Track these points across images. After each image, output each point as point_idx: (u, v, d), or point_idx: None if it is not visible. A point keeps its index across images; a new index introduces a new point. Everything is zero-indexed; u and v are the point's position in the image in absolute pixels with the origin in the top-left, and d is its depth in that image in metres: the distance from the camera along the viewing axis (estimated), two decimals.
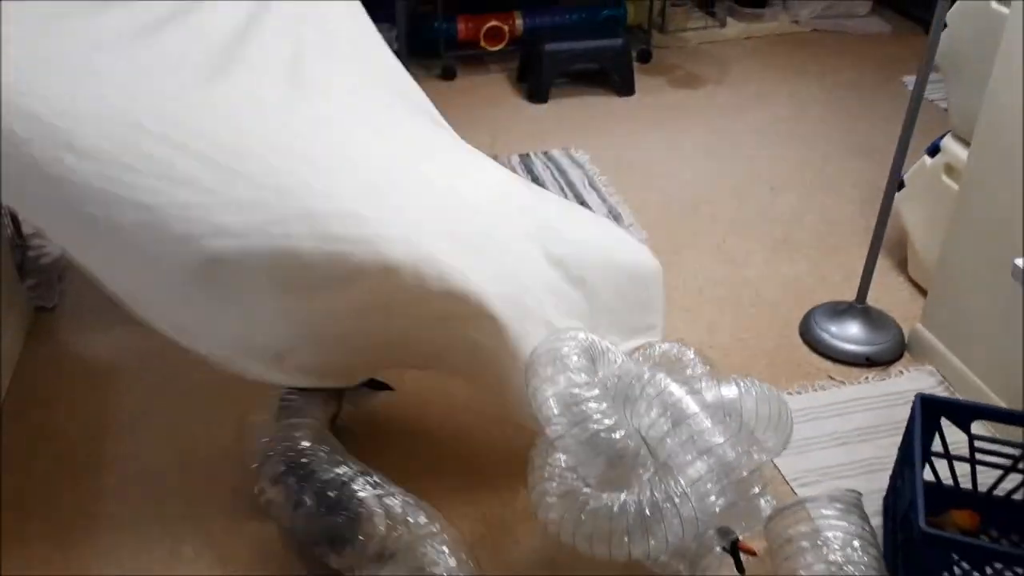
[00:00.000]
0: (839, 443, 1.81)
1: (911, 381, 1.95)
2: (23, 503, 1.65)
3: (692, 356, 1.68)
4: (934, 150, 2.12)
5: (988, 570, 1.36)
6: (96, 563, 1.54)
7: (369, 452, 1.68)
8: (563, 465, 1.49)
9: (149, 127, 1.42)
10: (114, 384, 1.95)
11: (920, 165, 2.18)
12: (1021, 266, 1.39)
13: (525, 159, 2.90)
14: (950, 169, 2.05)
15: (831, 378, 1.99)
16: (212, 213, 1.41)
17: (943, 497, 1.57)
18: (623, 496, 1.42)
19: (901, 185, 2.28)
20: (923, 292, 2.17)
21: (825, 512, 1.44)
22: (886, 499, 1.65)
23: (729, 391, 1.56)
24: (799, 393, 1.93)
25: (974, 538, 1.50)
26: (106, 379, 1.96)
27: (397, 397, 1.87)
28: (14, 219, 2.14)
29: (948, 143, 2.07)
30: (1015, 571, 1.35)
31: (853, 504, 1.45)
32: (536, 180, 2.76)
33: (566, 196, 2.67)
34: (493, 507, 1.67)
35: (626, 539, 1.42)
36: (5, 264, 2.04)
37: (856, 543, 1.39)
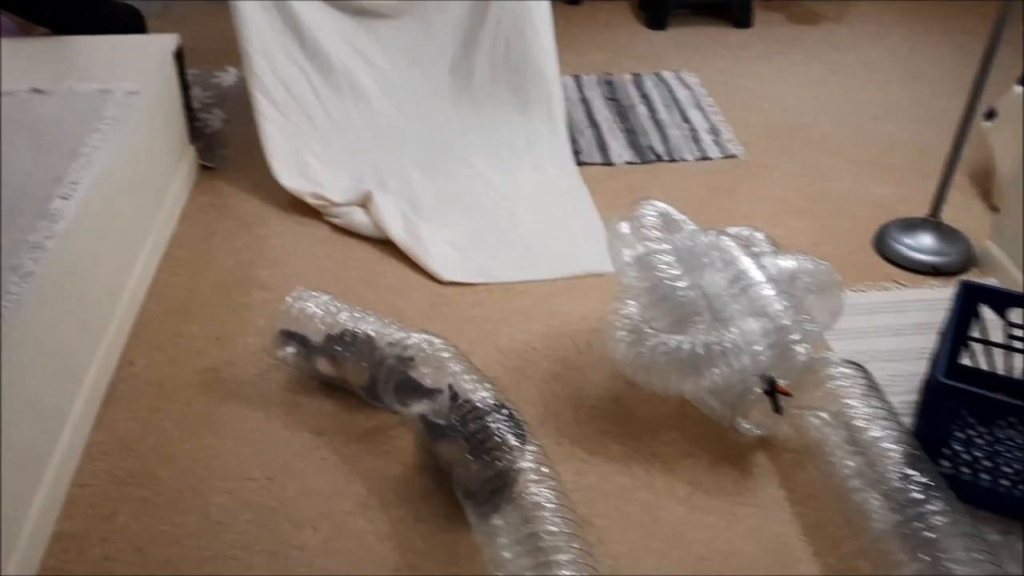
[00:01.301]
0: (893, 334, 1.97)
1: None
2: (186, 311, 2.01)
3: (761, 238, 1.88)
4: None
5: (1001, 424, 1.52)
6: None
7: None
8: (633, 311, 1.74)
9: None
10: (261, 226, 2.30)
11: (1011, 93, 2.28)
12: None
13: (636, 78, 3.09)
14: None
15: (895, 282, 2.14)
16: None
17: (978, 381, 1.72)
18: (681, 339, 1.65)
19: (992, 114, 2.38)
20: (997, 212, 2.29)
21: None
22: (922, 384, 1.81)
23: (787, 263, 1.76)
24: (863, 291, 2.10)
25: None
26: (254, 223, 2.31)
27: None
28: (186, 93, 2.50)
29: None
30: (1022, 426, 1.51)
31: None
32: (645, 97, 2.96)
33: (671, 113, 2.86)
34: (570, 353, 1.92)
35: (680, 375, 1.65)
36: (180, 127, 2.42)
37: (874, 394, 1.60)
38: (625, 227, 1.82)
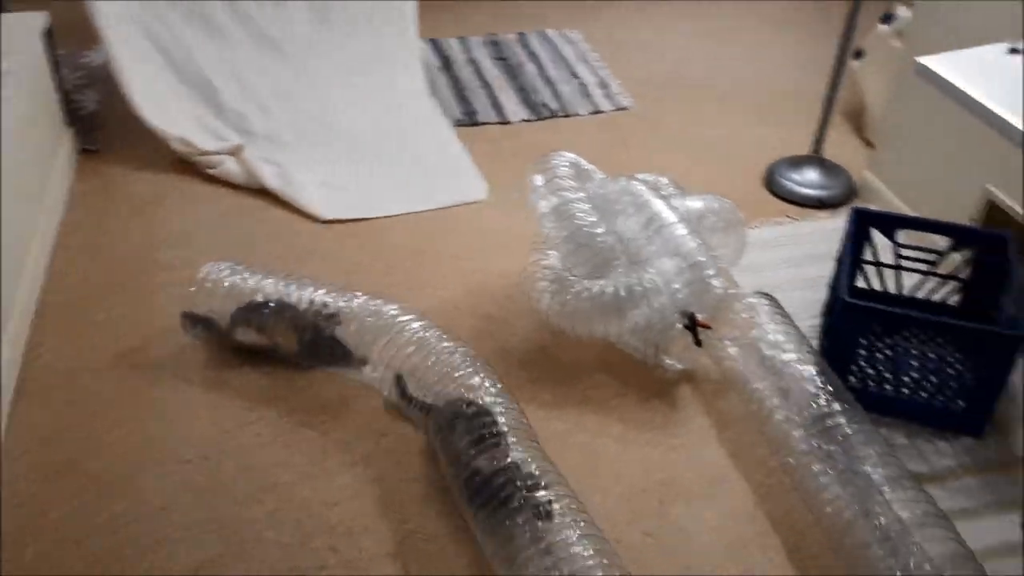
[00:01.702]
0: (790, 265, 2.09)
1: None
2: (90, 299, 1.92)
3: (666, 182, 1.95)
4: (888, 18, 2.36)
5: (900, 337, 1.66)
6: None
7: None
8: (554, 261, 1.78)
9: None
10: (156, 206, 2.22)
11: (875, 33, 2.43)
12: (922, 62, 1.65)
13: (522, 37, 3.12)
14: (900, 34, 2.30)
15: (788, 216, 2.27)
16: None
17: (874, 301, 1.86)
18: (603, 283, 1.71)
19: (860, 54, 2.53)
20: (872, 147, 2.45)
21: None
22: (824, 307, 1.94)
23: (694, 203, 1.84)
24: (758, 228, 2.22)
25: None
26: (148, 203, 2.23)
27: (405, 225, 2.17)
28: (58, 74, 2.37)
29: (900, 10, 2.31)
30: (919, 337, 1.64)
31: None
32: (533, 56, 2.99)
33: (560, 70, 2.91)
34: (491, 309, 1.95)
35: (604, 319, 1.71)
36: (55, 110, 2.29)
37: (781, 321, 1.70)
38: (539, 179, 1.86)
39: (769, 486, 1.58)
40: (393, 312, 1.68)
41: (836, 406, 1.54)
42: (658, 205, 1.76)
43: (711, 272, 1.68)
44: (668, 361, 1.77)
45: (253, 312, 1.72)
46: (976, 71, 1.61)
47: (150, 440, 1.61)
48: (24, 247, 1.90)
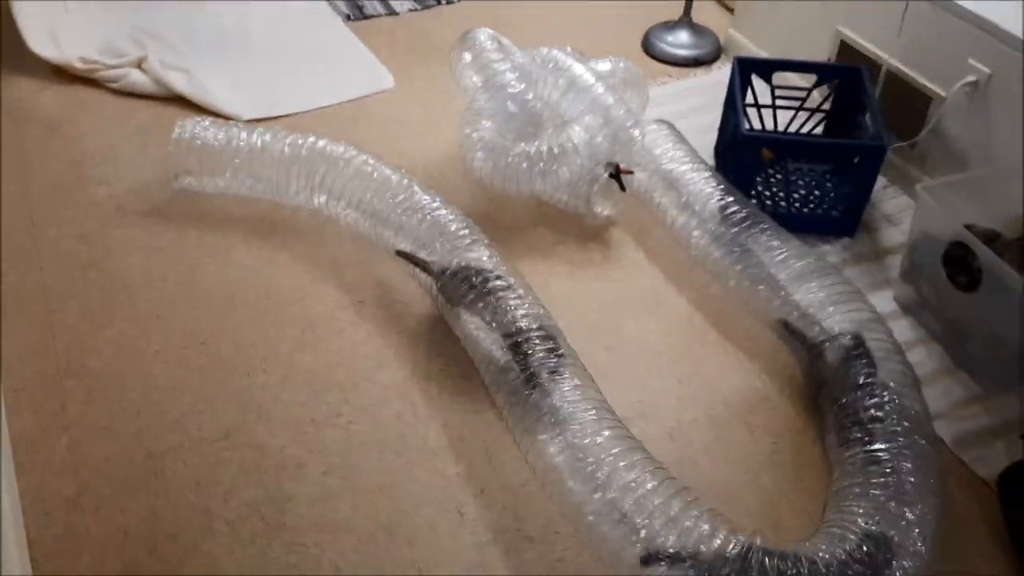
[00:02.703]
0: (679, 117, 2.35)
1: (727, 72, 2.52)
2: (35, 218, 1.95)
3: (569, 50, 2.15)
4: None
5: (790, 167, 1.96)
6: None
7: None
8: (487, 132, 1.97)
9: None
10: (71, 127, 2.23)
11: None
12: None
13: None
14: None
15: (669, 76, 2.53)
16: None
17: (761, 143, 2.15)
18: (536, 144, 1.91)
19: None
20: (732, 11, 2.73)
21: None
22: (716, 145, 2.22)
23: (602, 65, 2.06)
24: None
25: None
26: (62, 125, 2.23)
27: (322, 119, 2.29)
28: None
29: None
30: (806, 166, 1.95)
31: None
32: None
33: None
34: (429, 184, 2.12)
35: (541, 178, 1.92)
36: None
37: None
38: (467, 56, 2.02)
39: (701, 300, 1.86)
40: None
41: (734, 202, 1.81)
42: (578, 68, 1.96)
43: (629, 124, 1.91)
44: (598, 209, 2.01)
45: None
46: None
47: (141, 334, 1.72)
48: None
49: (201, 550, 1.39)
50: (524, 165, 1.91)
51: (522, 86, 1.95)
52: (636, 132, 1.92)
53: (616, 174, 1.92)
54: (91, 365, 1.66)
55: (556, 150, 1.89)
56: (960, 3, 1.85)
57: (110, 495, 1.46)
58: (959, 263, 1.66)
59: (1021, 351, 1.57)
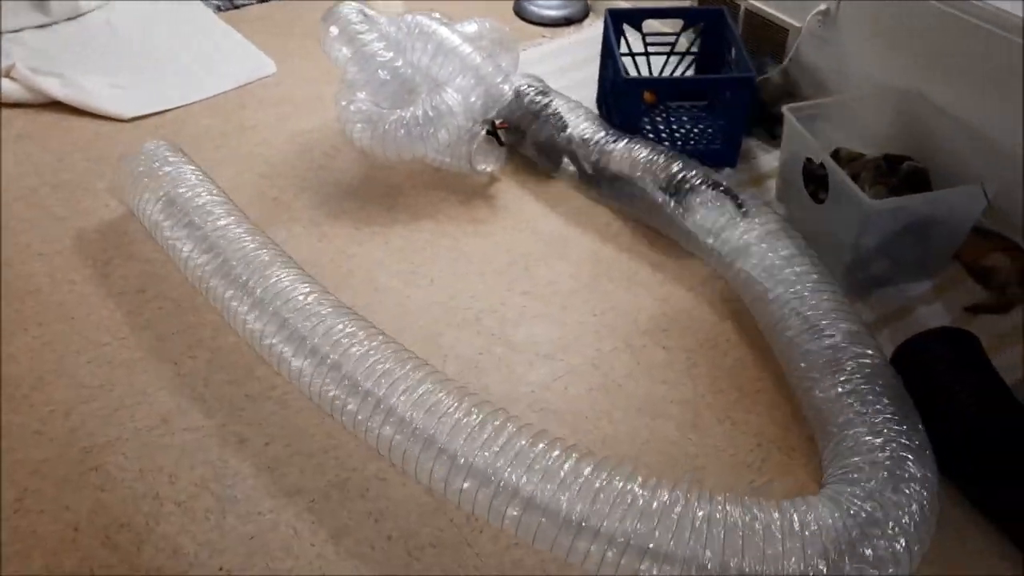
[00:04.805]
0: (558, 74, 2.45)
1: (598, 28, 2.63)
2: None
3: (438, 16, 2.21)
4: None
5: (670, 107, 2.08)
6: None
7: None
8: (362, 103, 2.01)
9: None
10: None
11: None
12: None
13: None
14: None
15: (543, 36, 2.63)
16: None
17: (641, 86, 2.27)
18: (411, 109, 1.97)
19: None
20: None
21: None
22: (598, 96, 2.33)
23: (469, 27, 2.13)
24: (524, 50, 2.55)
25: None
26: None
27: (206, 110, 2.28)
28: None
29: None
30: (686, 105, 2.08)
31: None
32: None
33: None
34: (323, 159, 2.16)
35: (422, 141, 1.97)
36: None
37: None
38: (334, 30, 2.05)
39: (604, 235, 1.97)
40: None
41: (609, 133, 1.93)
42: (444, 31, 2.03)
43: (499, 80, 2.00)
44: (480, 166, 2.08)
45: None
46: None
47: (58, 338, 1.70)
48: None
49: (156, 533, 1.40)
50: (402, 132, 1.95)
51: (391, 54, 2.00)
52: (506, 87, 2.01)
53: (493, 130, 2.00)
54: (10, 373, 1.63)
55: (431, 113, 1.94)
56: None
57: (53, 495, 1.45)
58: (814, 178, 1.82)
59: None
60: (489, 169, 2.09)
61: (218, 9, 2.67)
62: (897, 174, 1.86)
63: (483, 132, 2.00)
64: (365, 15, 2.12)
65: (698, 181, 1.81)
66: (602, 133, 1.96)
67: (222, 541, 1.40)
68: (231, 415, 1.58)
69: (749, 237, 1.74)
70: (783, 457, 1.54)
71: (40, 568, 1.35)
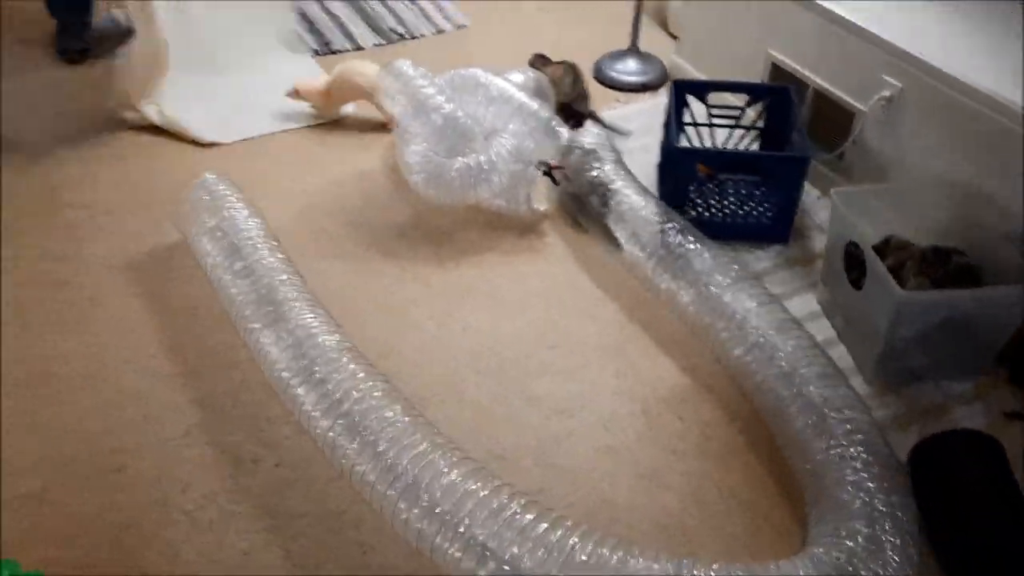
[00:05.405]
0: (627, 138, 2.49)
1: None
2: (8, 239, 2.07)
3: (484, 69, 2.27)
4: None
5: (723, 179, 2.09)
6: None
7: None
8: (421, 146, 2.10)
9: None
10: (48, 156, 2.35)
11: None
12: None
13: None
14: None
15: (618, 100, 2.68)
16: None
17: (692, 156, 2.28)
18: (473, 156, 2.05)
19: None
20: (676, 39, 2.88)
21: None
22: (658, 164, 2.35)
23: (516, 77, 2.22)
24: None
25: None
26: (34, 153, 2.36)
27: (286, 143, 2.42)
28: None
29: None
30: (735, 177, 2.08)
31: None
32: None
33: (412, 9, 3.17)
34: (359, 200, 2.25)
35: (477, 186, 2.05)
36: None
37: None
38: (393, 81, 2.16)
39: (638, 301, 1.98)
40: None
41: (672, 222, 1.94)
42: (497, 81, 2.12)
43: (555, 123, 2.07)
44: (535, 206, 2.14)
45: None
46: None
47: (106, 345, 1.82)
48: None
49: (160, 538, 1.48)
50: (459, 179, 2.03)
51: (449, 105, 2.09)
52: (562, 130, 2.08)
53: (548, 172, 2.06)
54: (60, 372, 1.76)
55: (488, 159, 2.02)
56: (868, 29, 2.00)
57: (74, 490, 1.55)
58: (857, 263, 1.78)
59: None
60: (543, 208, 2.15)
61: (315, 53, 2.83)
62: (944, 267, 1.80)
63: (539, 173, 2.06)
64: (420, 70, 2.21)
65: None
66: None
67: (218, 553, 1.47)
68: (250, 435, 1.66)
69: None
70: (785, 546, 1.50)
71: (50, 558, 1.45)
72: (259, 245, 1.77)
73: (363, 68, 2.44)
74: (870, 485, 1.40)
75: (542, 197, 2.13)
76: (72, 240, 2.08)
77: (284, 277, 1.70)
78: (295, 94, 2.49)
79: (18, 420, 1.66)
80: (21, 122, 2.45)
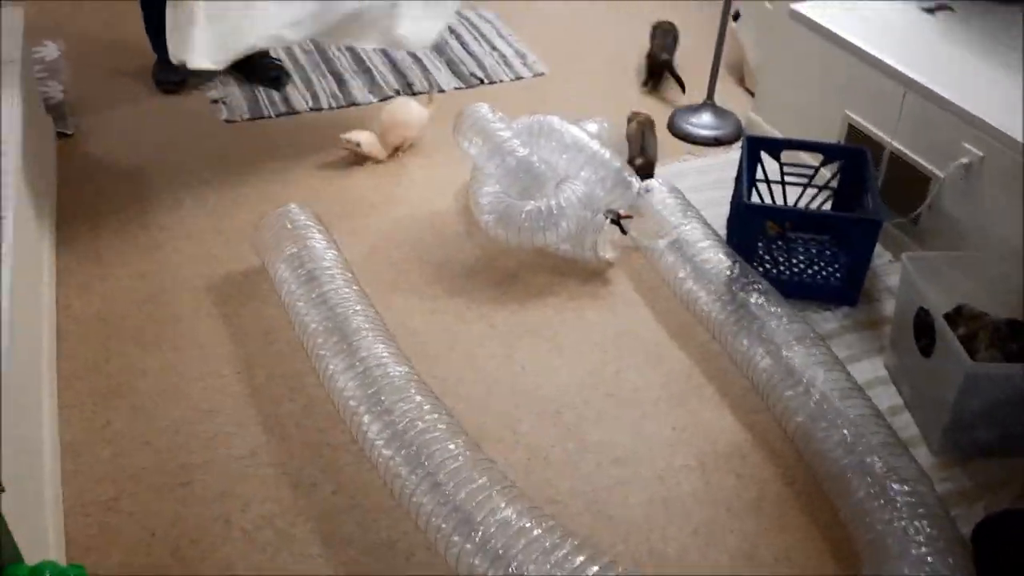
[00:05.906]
0: (698, 191, 2.49)
1: None
2: (101, 258, 2.17)
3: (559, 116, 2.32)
4: None
5: (793, 237, 2.09)
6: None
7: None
8: (494, 188, 2.15)
9: None
10: (135, 177, 2.48)
11: None
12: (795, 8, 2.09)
13: None
14: None
15: (691, 154, 2.70)
16: None
17: (762, 212, 2.28)
18: (545, 200, 2.09)
19: (738, 16, 2.98)
20: (754, 95, 2.90)
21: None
22: (728, 217, 2.36)
23: (590, 126, 2.26)
24: (667, 164, 2.63)
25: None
26: (133, 177, 2.48)
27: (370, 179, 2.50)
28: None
29: None
30: (804, 235, 2.08)
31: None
32: (454, 34, 3.33)
33: (481, 45, 3.26)
34: (426, 237, 2.30)
35: (546, 230, 2.09)
36: (33, 98, 2.51)
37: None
38: (470, 124, 2.23)
39: (704, 353, 1.98)
40: None
41: (744, 276, 1.94)
42: (572, 128, 2.18)
43: (626, 174, 2.10)
44: (601, 253, 2.16)
45: None
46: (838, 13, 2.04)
47: (186, 362, 1.90)
48: (41, 222, 2.14)
49: (219, 554, 1.53)
50: (531, 222, 2.07)
51: (524, 150, 2.14)
52: (634, 180, 2.10)
53: (617, 220, 2.09)
54: (139, 385, 1.84)
55: (558, 204, 2.06)
56: (949, 99, 1.99)
57: (143, 501, 1.61)
58: (927, 330, 1.76)
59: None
60: (609, 257, 2.17)
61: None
62: (1018, 341, 1.77)
63: (607, 221, 2.09)
64: (496, 114, 2.28)
65: None
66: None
67: (271, 573, 1.51)
68: (311, 460, 1.70)
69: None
70: None
71: (115, 564, 1.51)
72: (335, 275, 1.83)
73: (408, 107, 2.53)
74: (933, 560, 1.38)
75: (609, 245, 2.15)
76: (157, 261, 2.18)
77: (358, 308, 1.76)
78: (355, 146, 2.51)
79: (96, 429, 1.74)
80: (121, 148, 2.59)
